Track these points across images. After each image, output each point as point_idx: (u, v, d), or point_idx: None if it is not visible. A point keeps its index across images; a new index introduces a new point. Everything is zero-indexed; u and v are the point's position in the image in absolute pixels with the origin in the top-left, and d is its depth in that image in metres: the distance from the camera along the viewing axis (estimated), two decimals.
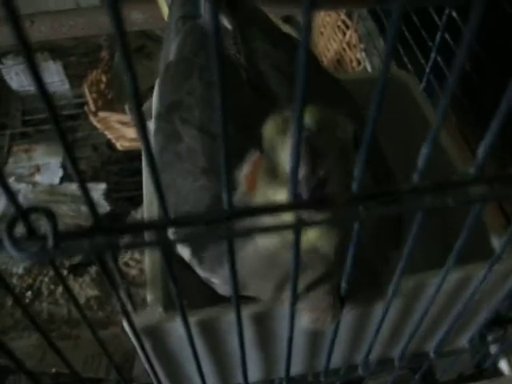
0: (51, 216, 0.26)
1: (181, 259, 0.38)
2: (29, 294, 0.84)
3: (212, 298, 0.37)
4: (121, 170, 1.03)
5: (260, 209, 0.26)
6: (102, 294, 0.84)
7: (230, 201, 0.26)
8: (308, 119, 0.32)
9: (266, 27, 0.54)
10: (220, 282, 0.37)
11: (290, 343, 0.36)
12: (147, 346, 0.36)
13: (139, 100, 0.22)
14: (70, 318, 0.82)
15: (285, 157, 0.32)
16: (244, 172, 0.36)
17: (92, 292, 0.84)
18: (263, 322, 0.37)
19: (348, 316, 0.40)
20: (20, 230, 0.27)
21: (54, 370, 0.75)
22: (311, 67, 0.51)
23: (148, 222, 0.26)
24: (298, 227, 0.26)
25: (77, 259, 0.89)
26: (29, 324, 0.69)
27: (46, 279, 0.86)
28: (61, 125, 0.22)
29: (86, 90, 0.93)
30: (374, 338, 0.39)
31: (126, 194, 0.97)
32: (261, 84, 0.48)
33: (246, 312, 0.36)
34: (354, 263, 0.30)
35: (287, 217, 0.30)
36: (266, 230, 0.26)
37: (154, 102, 0.51)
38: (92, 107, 0.90)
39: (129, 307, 0.35)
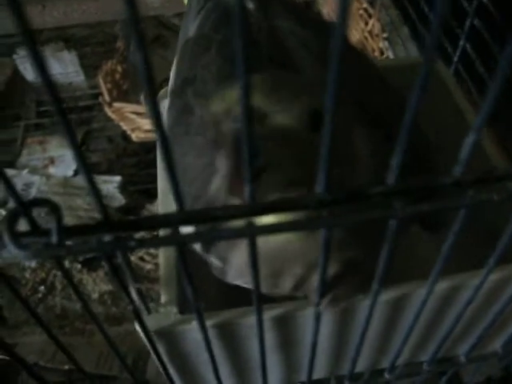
0: (56, 209, 0.24)
1: (197, 256, 0.36)
2: (42, 288, 0.82)
3: (231, 297, 0.35)
4: (136, 162, 1.01)
5: (289, 204, 0.24)
6: (116, 289, 0.82)
7: (252, 193, 0.24)
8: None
9: (290, 6, 0.51)
10: (232, 272, 0.34)
11: (314, 347, 0.34)
12: (161, 349, 0.34)
13: (153, 85, 0.20)
14: (84, 313, 0.80)
15: None
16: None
17: (106, 287, 0.82)
18: (285, 325, 0.35)
19: (376, 317, 0.37)
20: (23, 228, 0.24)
21: (66, 367, 0.73)
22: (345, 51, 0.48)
23: (161, 219, 0.24)
24: (330, 225, 0.24)
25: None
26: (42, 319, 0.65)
27: (60, 273, 0.84)
28: (67, 117, 0.20)
29: (101, 81, 0.91)
30: (404, 341, 0.37)
31: (141, 187, 0.95)
32: (285, 60, 0.46)
33: (268, 315, 0.33)
34: (388, 261, 0.28)
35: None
36: (295, 226, 0.24)
37: (170, 80, 0.49)
38: (106, 98, 0.88)
39: (141, 308, 0.33)
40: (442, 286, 0.35)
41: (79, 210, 0.91)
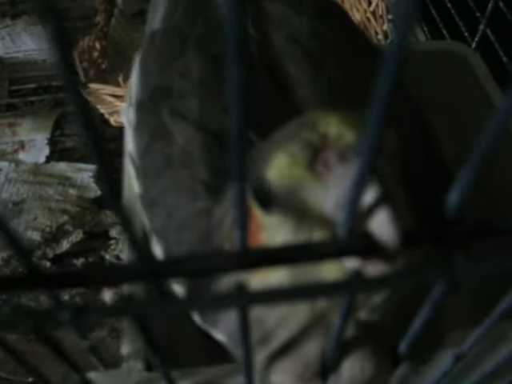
0: None
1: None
2: None
3: (216, 347, 0.27)
4: (114, 148, 0.93)
5: (296, 252, 0.16)
6: (88, 291, 0.74)
7: (244, 239, 0.16)
8: (350, 134, 0.22)
9: None
10: (226, 340, 0.27)
11: None
12: None
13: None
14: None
15: (322, 195, 0.21)
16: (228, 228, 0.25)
17: (77, 288, 0.74)
18: None
19: None
20: None
21: (30, 379, 0.66)
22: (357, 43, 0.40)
23: (111, 272, 0.16)
24: (355, 289, 0.16)
25: (63, 248, 0.79)
26: None
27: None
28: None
29: (76, 59, 0.82)
30: None
31: (119, 176, 0.87)
32: (274, 64, 0.37)
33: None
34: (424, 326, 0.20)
35: (331, 270, 0.20)
36: (305, 293, 0.16)
37: (133, 86, 0.40)
38: (82, 78, 0.80)
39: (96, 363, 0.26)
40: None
41: (50, 200, 0.83)
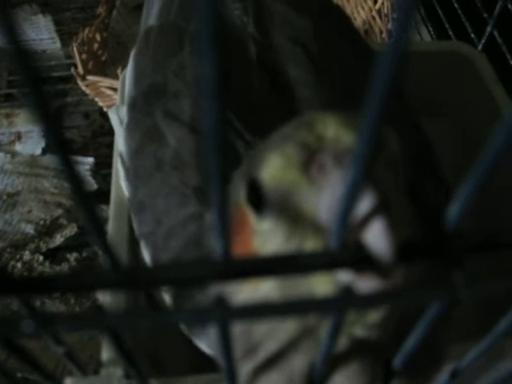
0: None
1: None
2: None
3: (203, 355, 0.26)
4: (113, 141, 0.91)
5: (284, 262, 0.15)
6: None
7: (225, 248, 0.15)
8: (349, 137, 0.20)
9: None
10: (211, 351, 0.25)
11: None
12: None
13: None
14: (44, 312, 0.71)
15: (315, 201, 0.20)
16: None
17: None
18: None
19: None
20: None
21: (19, 375, 0.64)
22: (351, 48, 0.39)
23: (82, 279, 0.15)
24: (344, 306, 0.15)
25: (57, 242, 0.78)
26: None
27: (19, 265, 0.75)
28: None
29: (75, 50, 0.81)
30: None
31: None
32: (274, 64, 0.36)
33: None
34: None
35: (321, 284, 0.19)
36: (289, 309, 0.15)
37: (126, 84, 0.39)
38: (80, 70, 0.79)
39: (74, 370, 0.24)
40: None
41: (45, 193, 0.82)
